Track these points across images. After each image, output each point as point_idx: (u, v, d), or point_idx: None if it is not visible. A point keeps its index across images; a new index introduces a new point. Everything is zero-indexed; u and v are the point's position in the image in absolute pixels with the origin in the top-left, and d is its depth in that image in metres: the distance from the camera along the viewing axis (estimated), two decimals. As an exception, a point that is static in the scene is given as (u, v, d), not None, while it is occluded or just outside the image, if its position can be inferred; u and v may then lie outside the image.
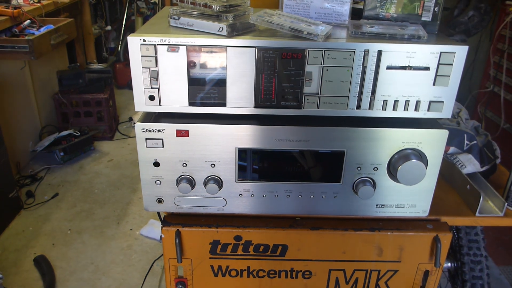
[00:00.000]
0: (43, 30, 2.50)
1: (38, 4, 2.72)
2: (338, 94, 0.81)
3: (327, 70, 0.79)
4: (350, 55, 0.78)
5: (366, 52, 0.78)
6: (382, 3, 0.89)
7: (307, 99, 0.81)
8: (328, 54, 0.77)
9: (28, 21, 2.56)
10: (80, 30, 3.48)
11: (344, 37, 0.82)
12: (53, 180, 2.81)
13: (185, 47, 0.77)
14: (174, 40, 0.76)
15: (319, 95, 0.81)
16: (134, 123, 0.83)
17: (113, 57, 4.17)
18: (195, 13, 0.82)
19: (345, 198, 0.89)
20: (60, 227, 2.43)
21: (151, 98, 0.81)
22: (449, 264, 1.25)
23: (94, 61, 3.54)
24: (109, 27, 4.09)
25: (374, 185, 0.88)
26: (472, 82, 2.72)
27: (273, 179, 0.88)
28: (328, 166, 0.87)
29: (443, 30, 0.90)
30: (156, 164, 0.86)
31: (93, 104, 3.15)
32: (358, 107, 0.82)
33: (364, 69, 0.79)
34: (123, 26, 4.17)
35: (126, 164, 3.00)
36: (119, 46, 4.18)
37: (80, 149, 2.99)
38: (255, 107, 0.82)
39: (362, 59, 0.78)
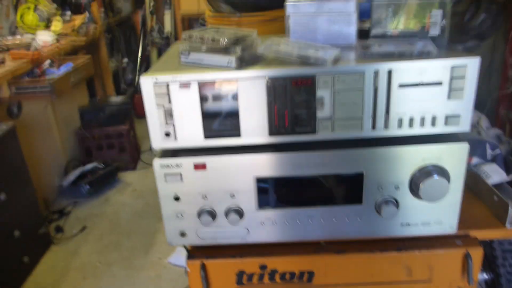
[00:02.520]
0: (62, 69, 2.58)
1: (57, 45, 2.81)
2: (351, 117, 0.80)
3: (338, 93, 0.78)
4: (360, 77, 0.77)
5: (376, 73, 0.77)
6: (388, 21, 0.89)
7: (321, 124, 0.81)
8: (338, 78, 0.77)
9: (48, 61, 2.64)
10: (98, 66, 3.58)
11: (353, 59, 0.82)
12: (81, 213, 2.85)
13: (196, 82, 0.78)
14: (185, 77, 0.78)
15: (332, 119, 0.80)
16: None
17: (131, 89, 4.26)
18: (204, 48, 0.84)
19: (368, 219, 0.88)
20: (90, 260, 2.46)
21: (167, 134, 0.82)
22: (485, 276, 1.20)
23: (113, 94, 3.63)
24: (125, 60, 4.19)
25: (397, 204, 0.86)
26: (491, 84, 2.67)
27: (294, 205, 0.88)
28: (348, 189, 0.87)
29: (454, 37, 0.89)
30: (177, 198, 0.87)
31: (114, 136, 3.21)
32: (373, 128, 0.81)
33: (375, 89, 0.78)
34: (139, 57, 4.27)
35: (150, 193, 3.03)
36: (136, 77, 4.27)
37: (105, 181, 3.04)
38: (270, 135, 0.82)
39: (372, 80, 0.78)
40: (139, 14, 4.53)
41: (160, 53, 4.48)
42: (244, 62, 0.80)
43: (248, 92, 0.79)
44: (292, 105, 0.80)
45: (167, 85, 0.78)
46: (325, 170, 0.84)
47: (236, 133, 0.82)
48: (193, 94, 0.79)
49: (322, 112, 0.80)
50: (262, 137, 0.82)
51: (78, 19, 3.15)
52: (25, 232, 2.32)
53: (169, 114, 0.80)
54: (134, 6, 4.48)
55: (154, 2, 4.43)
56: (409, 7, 0.86)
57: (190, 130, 0.82)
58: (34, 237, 2.44)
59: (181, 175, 0.85)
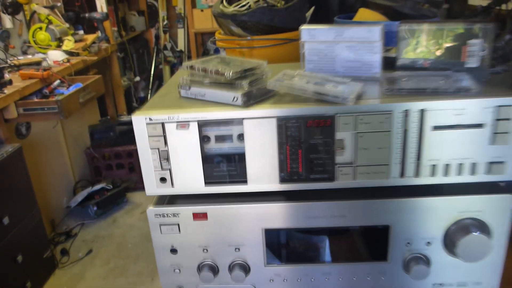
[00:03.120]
0: (71, 89, 2.50)
1: (68, 64, 2.74)
2: (376, 163, 0.68)
3: (361, 136, 0.66)
4: (387, 118, 0.65)
5: (406, 113, 0.65)
6: (417, 49, 0.77)
7: (341, 171, 0.68)
8: (361, 119, 0.65)
9: (58, 81, 2.57)
10: (110, 84, 3.51)
11: (378, 96, 0.69)
12: (87, 235, 2.75)
13: (196, 122, 0.66)
14: (183, 116, 0.66)
15: (354, 165, 0.68)
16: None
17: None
18: (207, 81, 0.72)
19: (394, 279, 0.75)
20: (94, 285, 2.34)
21: (162, 180, 0.70)
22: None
23: (124, 113, 3.54)
24: (138, 78, 4.12)
25: (428, 262, 0.73)
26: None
27: (308, 262, 0.75)
28: (371, 243, 0.74)
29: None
30: (174, 251, 0.75)
31: (124, 156, 3.12)
32: (402, 175, 0.69)
33: (405, 132, 0.66)
34: (152, 75, 4.20)
35: (159, 215, 2.92)
36: (149, 95, 4.20)
37: (113, 202, 2.94)
38: (280, 182, 0.70)
39: (402, 121, 0.65)
40: (152, 32, 4.47)
41: (172, 71, 4.41)
42: (252, 99, 0.69)
43: (256, 133, 0.67)
44: (307, 149, 0.67)
45: (163, 125, 0.67)
46: (344, 222, 0.71)
47: (242, 179, 0.70)
48: (193, 135, 0.67)
49: (342, 157, 0.68)
50: (271, 184, 0.70)
51: (90, 38, 3.09)
52: (29, 256, 2.22)
53: (164, 158, 0.68)
54: (148, 24, 4.43)
55: (167, 20, 4.37)
56: (442, 34, 0.74)
57: (189, 176, 0.70)
58: (38, 261, 2.33)
59: (178, 225, 0.73)
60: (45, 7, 2.95)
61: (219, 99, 0.70)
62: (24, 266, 2.19)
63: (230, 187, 0.71)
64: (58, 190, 2.85)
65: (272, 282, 0.76)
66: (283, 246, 0.74)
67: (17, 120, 2.40)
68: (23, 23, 3.02)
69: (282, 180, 0.70)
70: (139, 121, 0.67)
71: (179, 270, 0.76)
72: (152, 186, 0.71)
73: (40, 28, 2.92)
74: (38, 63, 2.67)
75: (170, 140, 0.67)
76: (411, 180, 0.69)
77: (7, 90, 2.26)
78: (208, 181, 0.70)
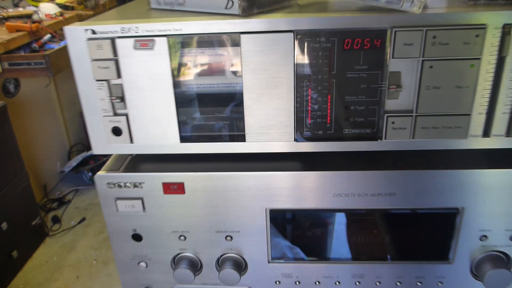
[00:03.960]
0: (62, 44, 2.23)
1: (61, 18, 2.46)
2: (451, 111, 0.41)
3: (431, 67, 0.40)
4: (477, 36, 0.38)
5: (507, 30, 0.38)
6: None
7: (393, 123, 0.42)
8: (434, 37, 0.38)
9: (49, 35, 2.30)
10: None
11: (457, 5, 0.42)
12: (81, 203, 2.54)
13: (165, 39, 0.40)
14: (145, 28, 0.40)
15: (414, 113, 0.42)
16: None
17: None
18: (189, -17, 0.45)
19: (459, 286, 0.50)
20: (86, 256, 2.14)
21: (116, 132, 0.45)
22: None
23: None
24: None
25: (511, 264, 0.48)
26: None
27: (330, 258, 0.50)
28: (427, 236, 0.48)
29: None
30: (137, 237, 0.50)
31: (123, 120, 2.87)
32: (486, 134, 0.43)
33: (501, 61, 0.39)
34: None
35: (158, 183, 2.69)
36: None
37: (110, 168, 2.72)
38: (296, 140, 0.44)
39: (499, 44, 0.39)
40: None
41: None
42: (255, 6, 0.42)
43: (260, 59, 0.41)
44: (340, 86, 0.41)
45: (113, 42, 0.41)
46: (391, 203, 0.46)
47: (238, 134, 0.44)
48: (160, 60, 0.41)
49: (396, 102, 0.42)
50: (282, 142, 0.44)
51: (86, -9, 2.79)
52: (15, 224, 2.01)
53: (117, 97, 0.43)
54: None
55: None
56: None
57: (157, 127, 0.44)
58: (26, 229, 2.12)
59: (142, 200, 0.48)
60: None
61: (205, 7, 0.43)
62: (9, 234, 1.99)
63: (218, 145, 0.45)
64: (51, 154, 2.62)
65: (279, 285, 0.51)
66: (296, 235, 0.49)
67: (1, 76, 2.15)
68: (14, -27, 2.73)
69: (299, 136, 0.44)
70: (75, 35, 0.41)
71: (146, 264, 0.51)
72: (100, 141, 0.45)
73: (32, -22, 2.63)
74: (28, 16, 2.40)
75: (125, 67, 0.42)
76: (500, 142, 0.43)
77: (-11, 42, 2.01)
78: (185, 135, 0.45)
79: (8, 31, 2.29)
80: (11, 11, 2.62)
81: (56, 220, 2.44)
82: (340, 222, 0.48)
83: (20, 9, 2.65)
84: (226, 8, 0.42)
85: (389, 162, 0.45)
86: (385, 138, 0.43)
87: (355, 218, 0.48)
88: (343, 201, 0.46)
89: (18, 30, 2.31)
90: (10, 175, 2.07)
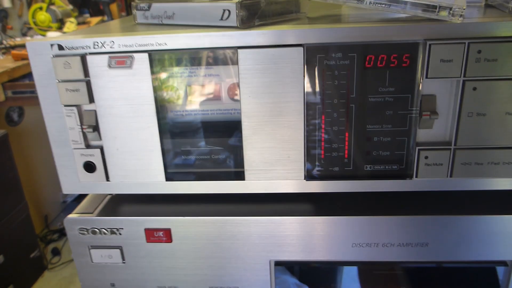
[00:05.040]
0: (67, 72, 2.20)
1: (67, 47, 2.45)
2: (498, 143, 0.33)
3: (474, 89, 0.32)
4: (533, 49, 0.30)
5: None
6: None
7: (426, 158, 0.34)
8: (479, 51, 0.30)
9: (55, 64, 2.27)
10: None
11: (497, 15, 0.35)
12: (83, 234, 2.44)
13: (146, 55, 0.33)
14: (122, 42, 0.33)
15: (453, 146, 0.33)
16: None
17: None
18: (180, -6, 0.38)
19: None
20: (85, 291, 2.03)
21: (89, 167, 0.37)
22: None
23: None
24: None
25: None
26: None
27: (350, 321, 0.41)
28: (468, 295, 0.39)
29: None
30: (115, 293, 0.41)
31: (128, 149, 2.81)
32: (542, 170, 0.34)
33: None
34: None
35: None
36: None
37: (114, 198, 2.64)
38: (307, 178, 0.36)
39: (561, 59, 0.31)
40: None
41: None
42: (256, 17, 0.35)
43: (262, 80, 0.33)
44: (361, 114, 0.33)
45: (83, 59, 0.33)
46: (424, 255, 0.37)
47: (235, 171, 0.36)
48: (140, 80, 0.34)
49: (429, 133, 0.34)
50: (290, 181, 0.36)
51: (94, 21, 2.79)
52: (13, 256, 1.92)
53: (90, 126, 0.35)
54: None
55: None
56: None
57: (137, 161, 0.36)
58: (24, 262, 2.03)
59: (121, 250, 0.39)
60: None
61: (197, 20, 0.36)
62: (6, 267, 1.90)
63: (212, 184, 0.37)
64: (54, 183, 2.55)
65: None
66: (307, 291, 0.40)
67: (5, 104, 2.11)
68: (23, 3, 2.75)
69: (310, 174, 0.36)
70: (39, 51, 0.33)
71: (126, 325, 0.42)
72: (71, 178, 0.37)
73: (41, 8, 2.64)
74: (35, 45, 2.39)
75: (98, 89, 0.34)
76: (561, 181, 0.34)
77: (-7, 70, 1.98)
78: (171, 171, 0.36)
79: (14, 60, 2.26)
80: (19, 40, 2.61)
81: (56, 252, 2.35)
82: (360, 279, 0.39)
83: (28, 38, 2.64)
84: (221, 19, 0.34)
85: (421, 205, 0.37)
86: (416, 177, 0.35)
87: (378, 273, 0.39)
88: (364, 253, 0.37)
89: (23, 59, 2.29)
90: (9, 206, 1.99)
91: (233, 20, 0.34)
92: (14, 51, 2.29)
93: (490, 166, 0.33)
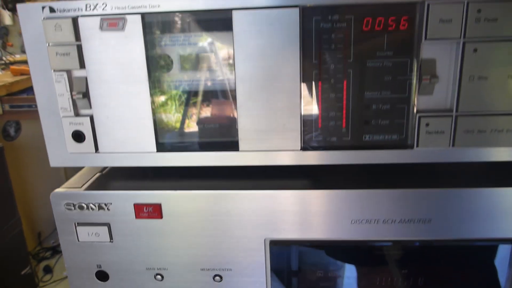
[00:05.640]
0: (65, 87, 2.21)
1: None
2: (501, 109, 0.32)
3: (474, 51, 0.31)
4: (534, 9, 0.30)
5: None
6: None
7: (427, 125, 0.33)
8: (479, 11, 0.30)
9: (54, 80, 2.28)
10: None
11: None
12: (76, 252, 2.40)
13: (138, 17, 0.32)
14: (114, 3, 0.32)
15: (454, 113, 0.32)
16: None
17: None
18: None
19: None
20: (76, 311, 1.97)
21: (77, 137, 0.35)
22: None
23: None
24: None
25: None
26: None
27: (349, 306, 0.39)
28: (474, 276, 0.37)
29: None
30: (102, 275, 0.39)
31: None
32: (547, 140, 0.33)
33: None
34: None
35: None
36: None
37: (109, 216, 2.60)
38: (303, 148, 0.34)
39: None
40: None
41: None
42: (252, -17, 0.34)
43: (257, 42, 0.32)
44: (358, 79, 0.32)
45: (75, 22, 0.32)
46: (426, 232, 0.35)
47: (228, 140, 0.35)
48: (133, 43, 0.33)
49: (430, 99, 0.33)
50: (286, 152, 0.35)
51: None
52: (3, 273, 1.88)
53: (80, 92, 0.34)
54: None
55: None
56: None
57: (127, 131, 0.35)
58: (15, 279, 1.98)
59: (109, 227, 0.37)
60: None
61: (191, -11, 0.35)
62: (-5, 284, 1.85)
63: (205, 155, 0.35)
64: (48, 200, 2.52)
65: None
66: (305, 276, 0.38)
67: (2, 118, 2.11)
68: (25, 22, 2.78)
69: (306, 144, 0.34)
70: (30, 14, 0.33)
71: (113, 311, 0.40)
72: (58, 150, 0.36)
73: (42, 26, 2.67)
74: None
75: (89, 53, 0.33)
76: None
77: (-9, 83, 1.98)
78: (162, 141, 0.35)
79: (13, 75, 2.27)
80: (18, 57, 2.63)
81: (48, 270, 2.29)
82: (360, 258, 0.37)
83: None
84: (217, -14, 0.34)
85: (424, 177, 0.35)
86: (417, 146, 0.33)
87: (379, 253, 0.37)
88: (364, 230, 0.35)
89: (22, 74, 2.30)
90: (2, 220, 1.96)
91: (228, -15, 0.33)
92: (13, 66, 2.30)
93: (493, 134, 0.32)
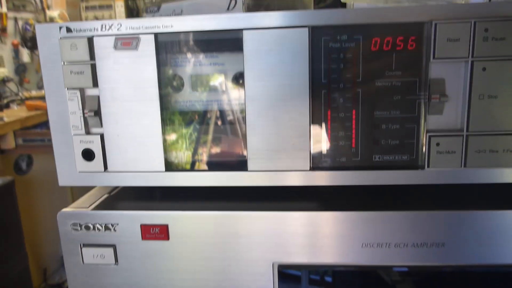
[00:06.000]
0: (78, 122, 2.24)
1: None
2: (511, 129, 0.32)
3: (483, 69, 0.31)
4: (541, 29, 0.30)
5: None
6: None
7: (437, 145, 0.32)
8: (486, 30, 0.30)
9: (67, 115, 2.33)
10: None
11: None
12: (81, 289, 2.35)
13: (151, 37, 0.33)
14: (129, 24, 0.33)
15: (465, 133, 0.32)
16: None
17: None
18: (189, -5, 0.40)
19: None
20: None
21: (87, 155, 0.35)
22: None
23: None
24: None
25: None
26: None
27: (361, 336, 0.37)
28: (492, 306, 0.35)
29: None
30: (106, 299, 0.38)
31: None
32: (561, 161, 0.32)
33: None
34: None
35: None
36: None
37: (115, 253, 2.56)
38: (312, 168, 0.34)
39: None
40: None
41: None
42: (262, 7, 0.35)
43: (267, 61, 0.33)
44: (368, 99, 0.32)
45: (90, 42, 0.33)
46: (440, 257, 0.34)
47: (237, 160, 0.35)
48: (146, 62, 0.33)
49: (440, 119, 0.32)
50: (295, 172, 0.34)
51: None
52: (5, 309, 1.84)
53: (92, 110, 0.34)
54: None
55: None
56: None
57: (137, 150, 0.35)
58: (17, 316, 1.94)
59: (115, 249, 0.37)
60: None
61: (205, 13, 0.37)
62: (-3, 321, 1.81)
63: (213, 175, 0.35)
64: (55, 237, 2.50)
65: None
66: (314, 301, 0.37)
67: (15, 153, 2.14)
68: (43, 60, 2.88)
69: (316, 164, 0.34)
70: (47, 33, 0.34)
71: (115, 338, 0.39)
72: (68, 167, 0.36)
73: (58, 65, 2.76)
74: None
75: (103, 72, 0.34)
76: None
77: (7, 118, 2.03)
78: (171, 161, 0.35)
79: (28, 110, 2.33)
80: (34, 93, 2.70)
81: (51, 307, 2.25)
82: (372, 283, 0.36)
83: (43, 91, 2.73)
84: (228, 9, 0.35)
85: (436, 199, 0.34)
86: (428, 167, 0.33)
87: (391, 278, 0.36)
88: (375, 254, 0.34)
89: (37, 109, 2.35)
90: (9, 254, 1.94)
91: (239, 8, 0.34)
92: (28, 102, 2.36)
93: (506, 154, 0.32)
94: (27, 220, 2.04)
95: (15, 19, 2.55)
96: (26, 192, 2.01)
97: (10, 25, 2.55)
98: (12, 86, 2.55)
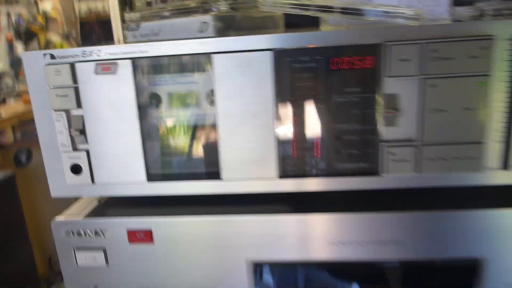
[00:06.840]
0: (75, 114, 2.26)
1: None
2: (460, 140, 0.35)
3: (433, 86, 0.34)
4: (483, 48, 0.33)
5: (519, 41, 0.33)
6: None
7: (392, 154, 0.35)
8: (434, 50, 0.33)
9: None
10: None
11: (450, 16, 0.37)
12: (85, 276, 2.41)
13: (129, 62, 0.36)
14: (108, 50, 0.36)
15: (417, 142, 0.35)
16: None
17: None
18: (167, 13, 0.42)
19: None
20: (84, 335, 1.97)
21: (75, 170, 0.38)
22: None
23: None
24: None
25: (555, 334, 0.37)
26: None
27: (330, 325, 0.40)
28: (446, 295, 0.39)
29: None
30: (99, 297, 0.42)
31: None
32: (505, 166, 0.35)
33: (517, 78, 0.33)
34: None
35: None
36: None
37: (117, 240, 2.61)
38: (281, 176, 0.37)
39: (510, 58, 0.33)
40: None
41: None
42: (231, 28, 0.38)
43: (235, 82, 0.35)
44: (329, 113, 0.35)
45: (72, 67, 0.36)
46: (398, 252, 0.37)
47: (212, 171, 0.38)
48: (124, 85, 0.36)
49: (395, 130, 0.35)
50: (264, 181, 0.37)
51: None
52: (13, 298, 1.89)
53: (77, 129, 0.37)
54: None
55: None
56: None
57: (120, 162, 0.38)
58: (25, 304, 2.00)
59: (105, 252, 0.40)
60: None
61: (179, 34, 0.39)
62: (6, 309, 1.86)
63: (190, 184, 0.38)
64: (59, 224, 2.55)
65: None
66: (287, 295, 0.40)
67: (14, 146, 2.16)
68: (38, 52, 2.87)
69: (284, 172, 0.37)
70: (33, 60, 0.36)
71: (109, 331, 0.42)
72: (59, 181, 0.39)
73: (53, 56, 2.76)
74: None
75: (85, 95, 0.36)
76: (525, 176, 0.35)
77: (4, 113, 2.05)
78: (152, 172, 0.38)
79: (25, 103, 2.34)
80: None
81: (57, 294, 2.31)
82: (336, 278, 0.39)
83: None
84: (200, 31, 0.37)
85: (393, 202, 0.38)
86: (383, 173, 0.36)
87: (354, 272, 0.39)
88: (339, 251, 0.38)
89: (34, 102, 2.35)
90: (13, 246, 1.99)
91: (210, 32, 0.37)
92: (25, 95, 2.38)
93: (454, 161, 0.35)
94: (30, 211, 2.08)
95: (8, 14, 2.54)
96: (27, 184, 2.04)
97: (3, 20, 2.53)
98: (8, 80, 2.55)
